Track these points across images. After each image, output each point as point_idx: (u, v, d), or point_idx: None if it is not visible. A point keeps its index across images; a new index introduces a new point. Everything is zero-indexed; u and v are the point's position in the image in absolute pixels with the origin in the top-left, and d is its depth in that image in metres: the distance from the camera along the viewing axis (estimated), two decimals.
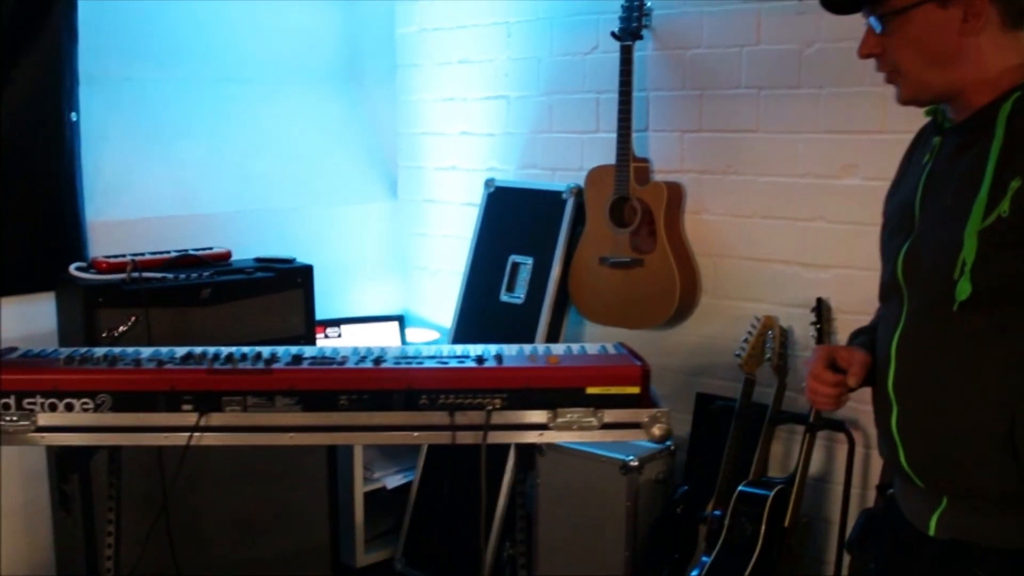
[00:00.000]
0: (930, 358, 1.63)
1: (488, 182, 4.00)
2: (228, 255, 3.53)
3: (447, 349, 2.35)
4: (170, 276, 3.23)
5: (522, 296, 3.79)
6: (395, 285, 4.48)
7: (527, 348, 2.39)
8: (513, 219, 3.89)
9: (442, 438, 2.12)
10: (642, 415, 2.14)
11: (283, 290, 3.43)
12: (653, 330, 3.59)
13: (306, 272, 3.50)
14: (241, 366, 2.18)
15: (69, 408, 2.14)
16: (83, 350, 2.35)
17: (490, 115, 4.11)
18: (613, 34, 3.46)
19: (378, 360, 2.20)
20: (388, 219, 4.47)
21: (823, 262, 3.24)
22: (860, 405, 2.80)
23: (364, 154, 4.44)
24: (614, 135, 3.51)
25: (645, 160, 3.60)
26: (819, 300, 3.15)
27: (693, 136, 3.52)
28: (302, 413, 2.12)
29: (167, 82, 3.84)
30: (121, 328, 3.10)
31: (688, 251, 3.53)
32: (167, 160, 3.79)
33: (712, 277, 3.53)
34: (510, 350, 2.34)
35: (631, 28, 3.45)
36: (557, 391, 2.15)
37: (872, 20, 1.66)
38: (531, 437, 2.14)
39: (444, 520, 3.85)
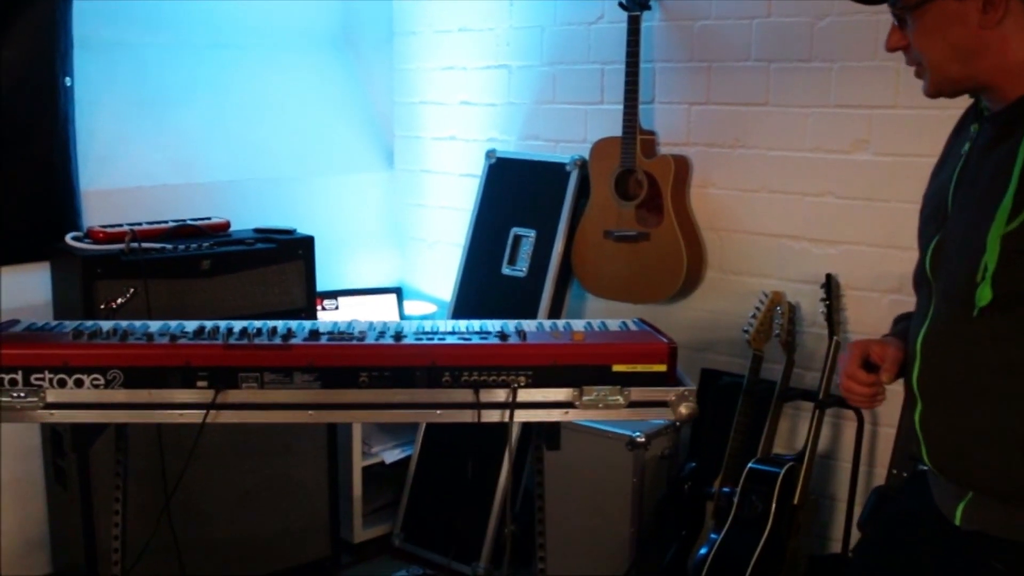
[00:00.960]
0: (952, 357, 1.63)
1: (489, 153, 3.93)
2: (227, 225, 3.45)
3: (465, 324, 2.30)
4: (169, 247, 3.16)
5: (524, 269, 3.74)
6: (391, 257, 4.41)
7: (547, 324, 2.34)
8: (515, 191, 3.83)
9: (466, 416, 2.07)
10: (669, 394, 2.10)
11: (284, 261, 3.36)
12: (657, 304, 3.55)
13: (307, 243, 3.43)
14: (258, 341, 2.11)
15: (79, 384, 2.06)
16: (90, 323, 2.27)
17: (491, 85, 4.04)
18: (620, 4, 3.40)
19: (398, 336, 2.14)
20: (384, 189, 4.39)
21: (832, 238, 3.21)
22: None
23: (360, 123, 4.36)
24: (619, 107, 3.46)
25: (651, 133, 3.55)
26: (828, 276, 3.12)
27: (701, 109, 3.47)
28: (321, 390, 2.06)
29: (162, 47, 3.75)
30: (119, 300, 3.02)
31: (694, 225, 3.49)
32: (162, 127, 3.70)
33: (718, 252, 3.49)
34: (530, 326, 2.29)
35: None
36: (583, 368, 2.10)
37: (894, 14, 1.65)
38: (556, 416, 2.09)
39: (443, 496, 3.81)
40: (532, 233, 3.75)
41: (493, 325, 2.27)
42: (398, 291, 4.11)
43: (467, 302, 3.88)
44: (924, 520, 1.77)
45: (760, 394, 3.21)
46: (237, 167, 3.86)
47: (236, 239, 3.34)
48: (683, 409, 2.10)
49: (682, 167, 3.47)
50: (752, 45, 3.31)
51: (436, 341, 2.12)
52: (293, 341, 2.11)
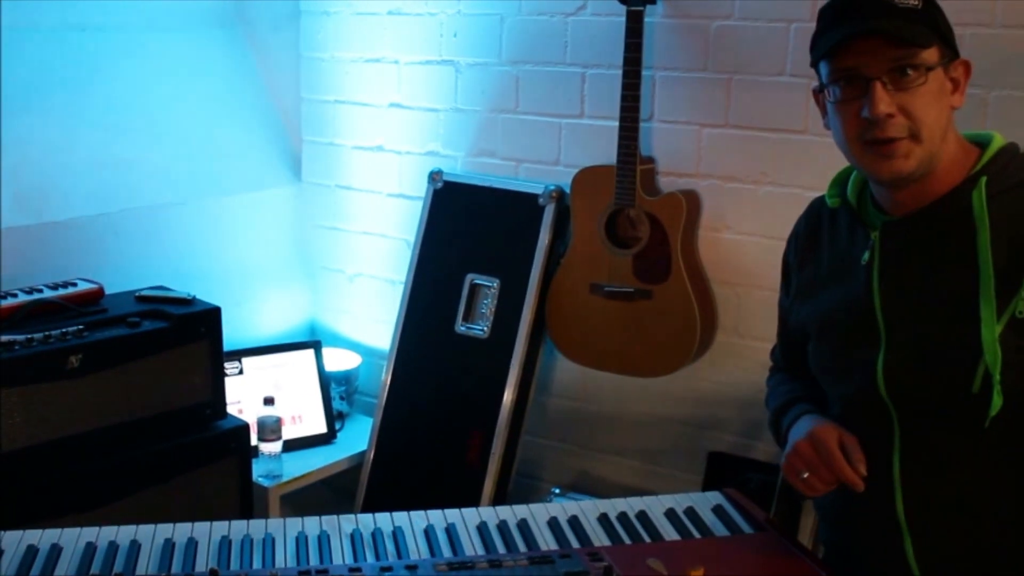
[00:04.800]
0: (951, 478, 1.49)
1: (434, 174, 3.12)
2: (99, 294, 2.56)
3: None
4: (20, 339, 2.25)
5: (485, 329, 2.96)
6: (300, 291, 3.55)
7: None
8: (471, 226, 3.04)
9: None
10: None
11: (181, 344, 2.50)
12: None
13: (211, 317, 2.57)
14: None
15: None
16: None
17: (432, 85, 3.20)
18: None
19: None
20: (289, 208, 3.51)
21: None
22: None
23: (257, 124, 3.45)
24: (604, 123, 2.79)
25: (650, 160, 2.82)
26: None
27: (716, 132, 2.75)
28: None
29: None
30: None
31: (704, 279, 2.80)
32: None
33: (733, 311, 2.81)
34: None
35: None
36: None
37: (892, 73, 1.42)
38: None
39: None
40: (494, 283, 2.97)
41: None
42: (316, 345, 3.26)
43: (412, 360, 3.09)
44: None
45: (798, 498, 2.58)
46: (102, 195, 2.93)
47: (113, 317, 2.44)
48: None
49: (694, 207, 2.76)
50: (788, 55, 2.61)
51: None
52: None
